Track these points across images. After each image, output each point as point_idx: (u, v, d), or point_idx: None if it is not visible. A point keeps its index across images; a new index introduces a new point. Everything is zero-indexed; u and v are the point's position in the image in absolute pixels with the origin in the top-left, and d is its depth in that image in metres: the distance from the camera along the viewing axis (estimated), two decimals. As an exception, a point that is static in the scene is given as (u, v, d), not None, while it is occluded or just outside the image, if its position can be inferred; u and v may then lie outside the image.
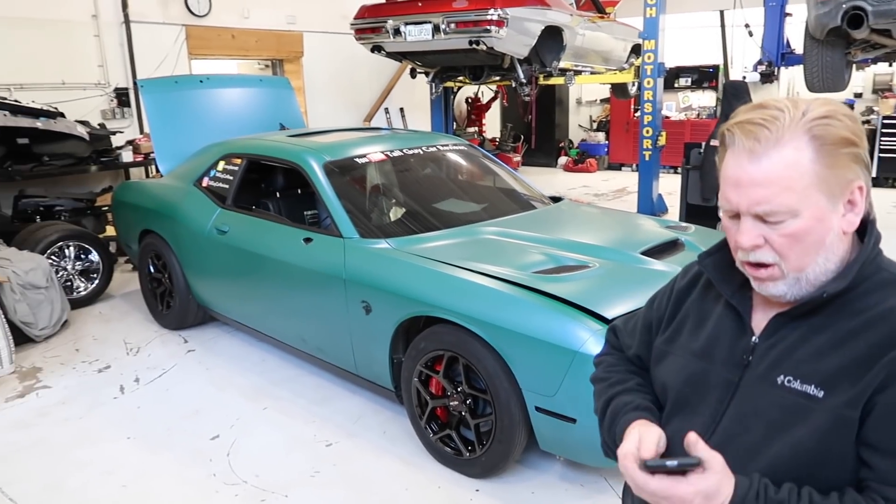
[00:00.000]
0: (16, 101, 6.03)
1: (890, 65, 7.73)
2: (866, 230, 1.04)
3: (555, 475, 2.99)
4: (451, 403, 2.97)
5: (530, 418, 2.70)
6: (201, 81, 5.39)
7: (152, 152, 6.24)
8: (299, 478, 3.03)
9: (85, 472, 3.11)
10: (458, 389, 2.93)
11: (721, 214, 1.05)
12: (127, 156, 6.76)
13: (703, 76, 11.29)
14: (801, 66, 6.22)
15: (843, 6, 4.98)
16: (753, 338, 1.06)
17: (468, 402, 2.92)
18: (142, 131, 7.47)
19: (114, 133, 6.82)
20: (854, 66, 6.05)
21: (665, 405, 1.18)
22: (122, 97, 7.46)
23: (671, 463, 0.96)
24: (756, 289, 1.04)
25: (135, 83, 7.28)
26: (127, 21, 7.42)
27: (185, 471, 3.10)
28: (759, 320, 1.07)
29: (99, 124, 6.96)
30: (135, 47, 7.50)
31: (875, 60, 6.92)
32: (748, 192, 0.97)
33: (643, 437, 1.03)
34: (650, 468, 0.98)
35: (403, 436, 3.30)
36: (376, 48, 7.20)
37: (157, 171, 5.11)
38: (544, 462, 3.06)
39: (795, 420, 0.97)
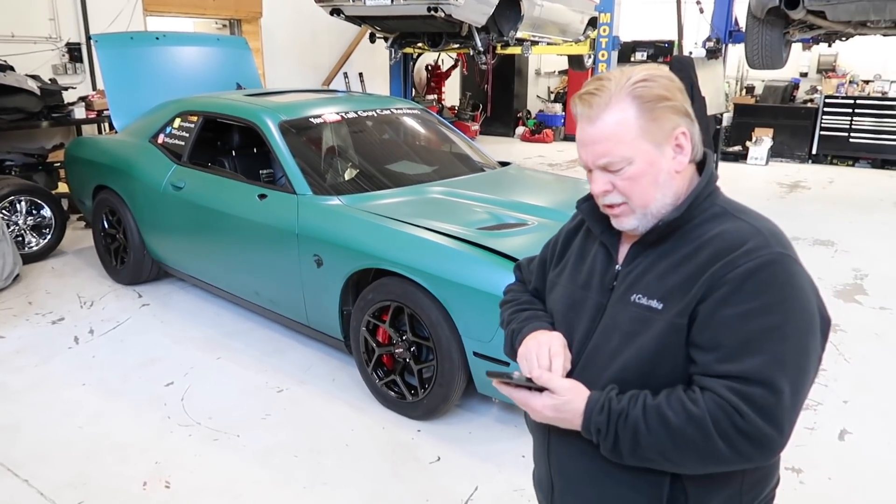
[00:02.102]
0: (-37, 52, 5.91)
1: (829, 45, 8.07)
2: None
3: (491, 417, 3.22)
4: (397, 351, 3.17)
5: (469, 363, 2.91)
6: (157, 39, 5.37)
7: (106, 109, 6.20)
8: (251, 420, 3.19)
9: (42, 415, 3.22)
10: (403, 338, 3.13)
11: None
12: (79, 112, 6.68)
13: (659, 51, 11.54)
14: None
15: (782, -13, 5.23)
16: (617, 266, 1.29)
17: (412, 349, 3.11)
18: (94, 88, 7.37)
19: (66, 89, 6.72)
20: (792, 45, 6.34)
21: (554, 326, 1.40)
22: (74, 52, 7.32)
23: (517, 377, 1.22)
24: (615, 225, 1.26)
25: (88, 38, 7.16)
26: (79, -27, 7.27)
27: (141, 413, 3.24)
28: (623, 252, 1.29)
29: (50, 79, 6.85)
30: (88, 1, 7.35)
31: (815, 41, 7.25)
32: (591, 150, 1.19)
33: (553, 347, 1.27)
34: (502, 380, 1.23)
35: (351, 383, 3.49)
36: (336, 11, 7.20)
37: (111, 127, 5.11)
38: (482, 406, 3.29)
39: (642, 329, 1.19)
